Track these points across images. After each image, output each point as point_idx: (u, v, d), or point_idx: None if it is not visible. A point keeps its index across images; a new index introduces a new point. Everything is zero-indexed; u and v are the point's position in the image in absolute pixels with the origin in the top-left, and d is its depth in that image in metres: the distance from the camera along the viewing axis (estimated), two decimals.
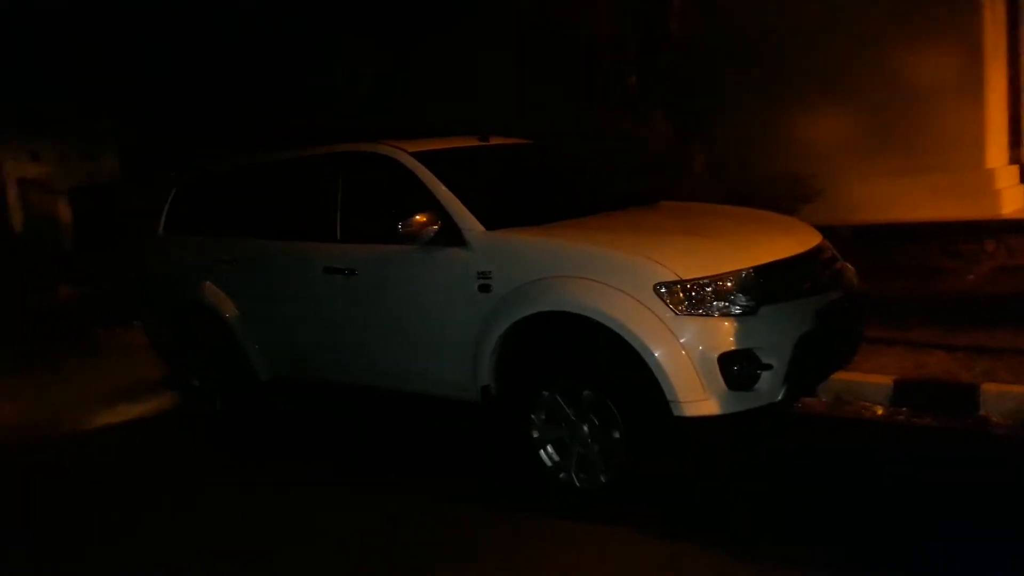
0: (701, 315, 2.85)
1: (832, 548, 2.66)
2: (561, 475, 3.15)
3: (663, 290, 2.87)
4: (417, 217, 3.36)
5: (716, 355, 2.81)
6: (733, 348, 2.82)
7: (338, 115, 8.14)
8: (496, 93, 7.56)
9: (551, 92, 7.38)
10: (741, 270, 2.95)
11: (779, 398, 2.91)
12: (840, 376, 3.86)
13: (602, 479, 3.05)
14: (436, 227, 3.34)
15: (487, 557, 2.84)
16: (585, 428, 3.08)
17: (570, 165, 4.50)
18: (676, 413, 2.83)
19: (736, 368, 2.82)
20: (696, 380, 2.81)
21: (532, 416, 3.19)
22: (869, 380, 3.98)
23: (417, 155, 3.68)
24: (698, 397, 2.82)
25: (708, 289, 2.88)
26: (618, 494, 3.02)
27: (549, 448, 3.19)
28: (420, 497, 3.39)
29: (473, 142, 4.06)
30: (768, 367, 2.86)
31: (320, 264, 3.86)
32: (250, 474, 3.91)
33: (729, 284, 2.91)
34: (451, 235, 3.38)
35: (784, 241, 3.28)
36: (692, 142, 7.28)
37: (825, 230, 6.91)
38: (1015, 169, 7.71)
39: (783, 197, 6.48)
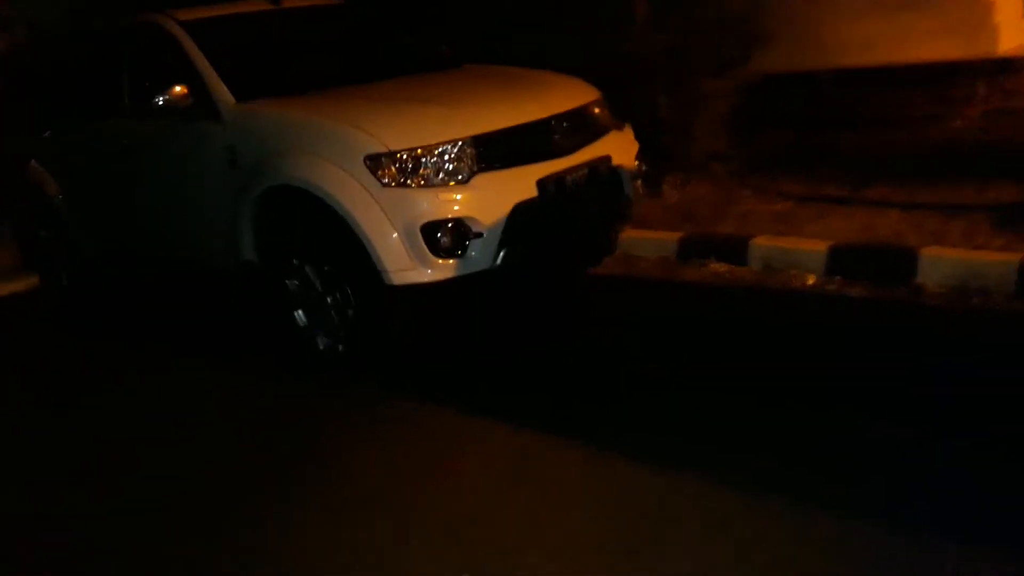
0: (408, 186, 3.07)
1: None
2: (322, 347, 3.56)
3: (370, 162, 3.08)
4: (175, 89, 3.61)
5: (419, 225, 3.10)
6: (437, 218, 3.09)
7: None
8: None
9: None
10: (454, 140, 3.10)
11: (494, 265, 3.20)
12: (773, 242, 4.04)
13: (340, 348, 3.43)
14: (188, 98, 3.60)
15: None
16: (328, 300, 3.46)
17: (377, 27, 4.54)
18: (387, 282, 3.15)
19: (440, 236, 3.10)
20: (402, 250, 3.09)
21: (288, 289, 3.53)
22: (803, 247, 3.96)
23: (185, 23, 3.84)
24: (405, 266, 3.10)
25: (416, 160, 3.06)
26: (351, 361, 3.40)
27: (302, 315, 3.53)
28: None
29: (261, 6, 4.19)
30: (479, 235, 3.16)
31: (108, 140, 4.18)
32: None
33: (438, 154, 3.07)
34: (206, 108, 3.57)
35: (525, 107, 3.39)
36: None
37: (804, 76, 6.85)
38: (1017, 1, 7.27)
39: (729, 44, 6.28)
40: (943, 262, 3.58)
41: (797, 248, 4.03)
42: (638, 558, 2.02)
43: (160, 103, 3.58)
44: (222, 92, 3.57)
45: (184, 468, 2.87)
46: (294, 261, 3.47)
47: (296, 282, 3.49)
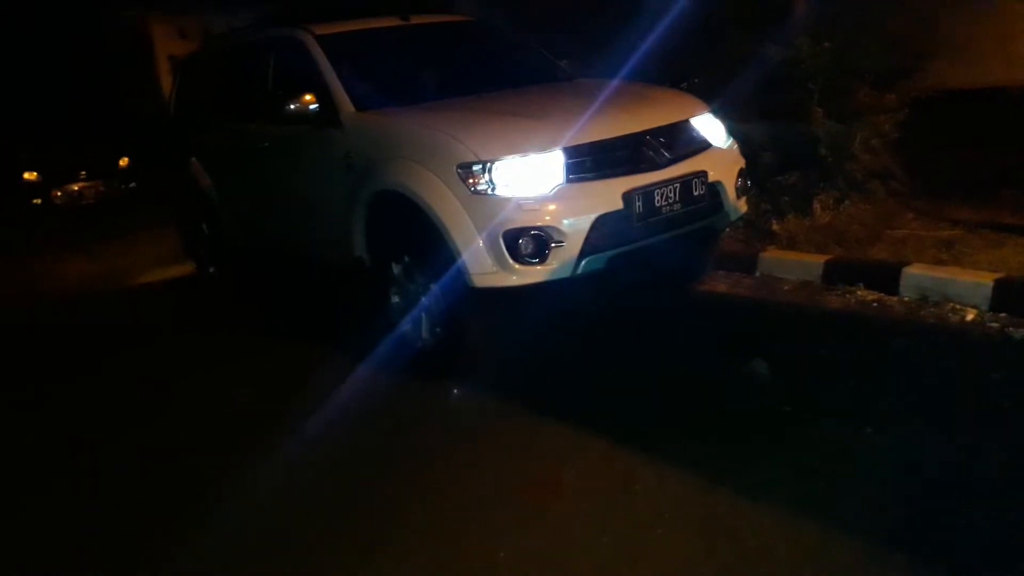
0: (495, 194, 3.60)
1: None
2: (414, 338, 4.15)
3: (461, 170, 3.61)
4: (304, 97, 4.39)
5: (502, 232, 3.58)
6: (519, 226, 3.56)
7: None
8: None
9: None
10: (541, 151, 3.57)
11: (575, 274, 3.62)
12: (931, 271, 4.14)
13: (422, 341, 4.00)
14: (316, 107, 4.36)
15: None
16: (421, 296, 4.05)
17: (496, 42, 5.13)
18: (470, 285, 3.69)
19: (521, 243, 3.56)
20: (485, 255, 3.59)
21: (391, 284, 4.17)
22: (964, 277, 3.97)
23: (320, 37, 4.61)
24: (488, 270, 3.61)
25: (504, 169, 3.57)
26: (437, 356, 3.96)
27: (398, 304, 4.11)
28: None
29: (391, 22, 4.92)
30: (560, 244, 3.60)
31: (253, 143, 5.07)
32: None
33: (525, 165, 3.53)
34: (330, 115, 4.27)
35: (619, 120, 3.77)
36: None
37: (986, 92, 6.74)
38: None
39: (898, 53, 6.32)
40: None
41: (957, 279, 4.05)
42: None
43: (292, 109, 4.36)
44: (344, 101, 4.27)
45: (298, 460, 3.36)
46: (395, 260, 4.07)
47: (396, 275, 4.08)
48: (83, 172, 11.64)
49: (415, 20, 4.94)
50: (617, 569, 2.44)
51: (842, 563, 2.31)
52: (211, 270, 6.05)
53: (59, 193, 11.50)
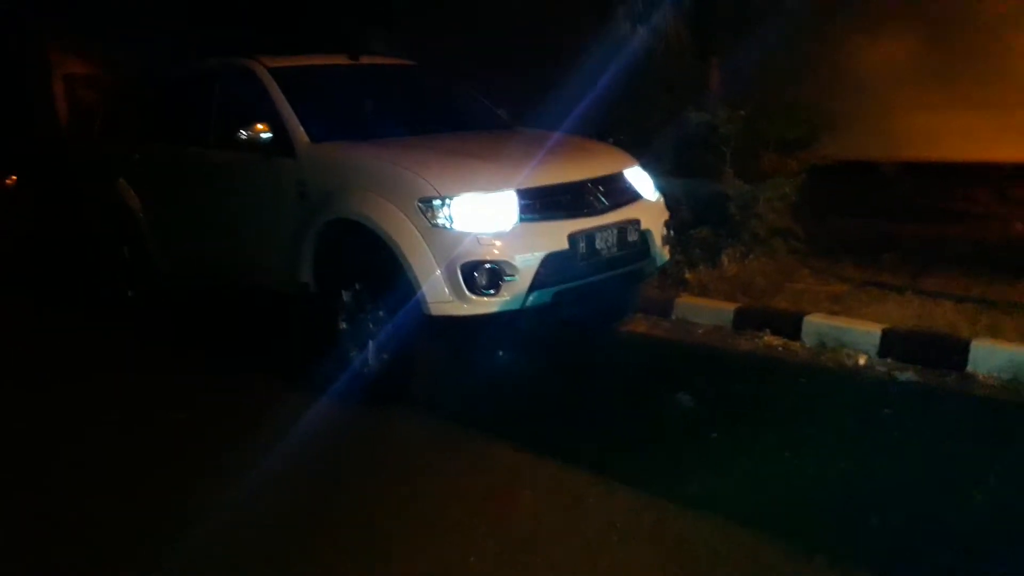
0: (453, 229, 3.90)
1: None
2: (361, 364, 4.35)
3: (422, 204, 3.92)
4: (257, 125, 4.60)
5: (459, 264, 3.90)
6: (476, 259, 3.87)
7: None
8: (509, 12, 8.65)
9: (571, 10, 8.27)
10: (499, 191, 3.90)
11: (524, 306, 3.95)
12: (829, 320, 4.65)
13: (368, 364, 4.19)
14: (269, 136, 4.57)
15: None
16: (370, 322, 4.29)
17: (440, 87, 5.53)
18: (425, 312, 3.96)
19: (477, 276, 3.87)
20: (443, 285, 3.88)
21: (341, 311, 4.38)
22: (857, 327, 4.52)
23: (273, 69, 4.83)
24: (443, 299, 3.89)
25: (463, 206, 3.91)
26: (384, 381, 4.18)
27: (345, 328, 4.29)
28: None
29: (340, 60, 5.22)
30: (512, 278, 3.93)
31: (193, 167, 5.20)
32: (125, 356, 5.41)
33: (483, 203, 3.87)
34: (284, 145, 4.50)
35: (565, 168, 4.20)
36: (708, 58, 7.99)
37: (870, 165, 7.59)
38: None
39: (798, 126, 7.03)
40: (996, 354, 4.13)
41: (852, 327, 4.62)
42: None
43: (243, 137, 4.56)
44: (298, 132, 4.51)
45: (254, 495, 3.32)
46: (345, 287, 4.30)
47: (345, 300, 4.30)
48: None
49: (364, 60, 5.23)
50: (582, 564, 2.75)
51: (773, 561, 2.71)
52: (129, 293, 6.03)
53: None
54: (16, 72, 13.54)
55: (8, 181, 11.69)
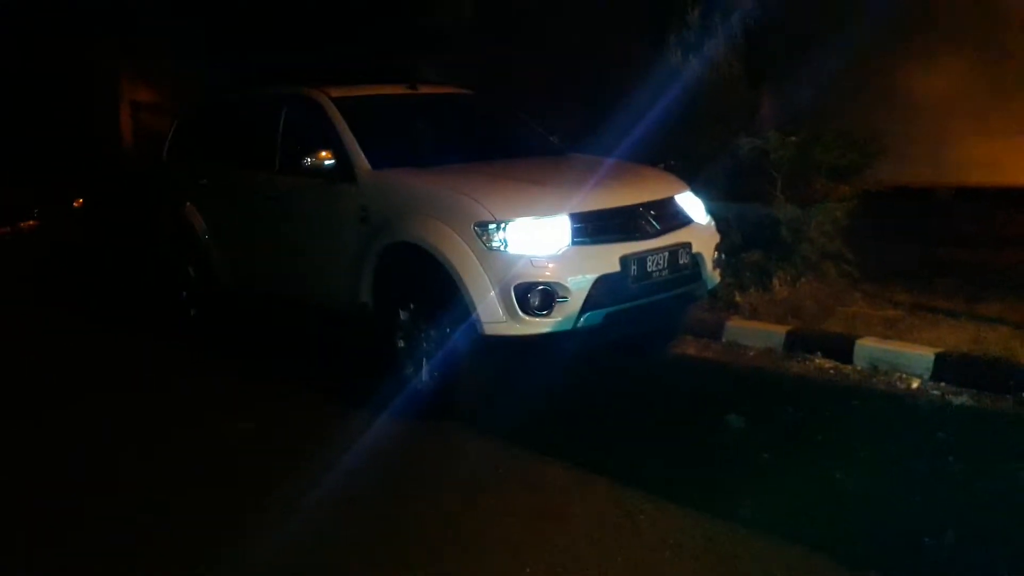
0: (508, 252, 4.03)
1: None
2: (417, 382, 4.50)
3: (478, 228, 4.08)
4: (321, 153, 4.81)
5: (513, 285, 4.03)
6: (530, 280, 4.02)
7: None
8: (566, 41, 8.89)
9: (626, 39, 8.45)
10: (552, 216, 4.09)
11: (576, 327, 4.07)
12: (882, 344, 4.70)
13: (423, 379, 4.35)
14: (332, 163, 4.78)
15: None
16: (424, 340, 4.44)
17: (495, 114, 5.71)
18: (480, 331, 4.10)
19: (530, 297, 4.00)
20: (497, 306, 4.03)
21: (397, 330, 4.55)
22: (910, 350, 4.55)
23: (336, 99, 5.06)
24: (498, 319, 4.03)
25: (517, 230, 4.04)
26: (436, 397, 4.32)
27: (402, 346, 4.46)
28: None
29: (399, 89, 5.43)
30: (564, 299, 4.05)
31: (260, 191, 5.44)
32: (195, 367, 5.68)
33: (537, 227, 4.02)
34: (346, 172, 4.72)
35: (617, 193, 4.34)
36: (760, 86, 8.08)
37: (923, 191, 7.59)
38: None
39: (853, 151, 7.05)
40: None
41: (904, 351, 4.65)
42: None
43: (308, 163, 4.77)
44: (360, 159, 4.71)
45: (316, 505, 3.47)
46: (402, 307, 4.46)
47: (403, 319, 4.46)
48: (36, 210, 11.69)
49: (422, 89, 5.43)
50: None
51: None
52: (192, 312, 6.28)
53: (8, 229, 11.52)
54: (84, 99, 14.19)
55: (76, 203, 12.22)
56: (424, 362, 4.39)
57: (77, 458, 4.18)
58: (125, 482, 3.88)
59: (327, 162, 4.72)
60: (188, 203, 6.13)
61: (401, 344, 4.47)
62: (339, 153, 4.75)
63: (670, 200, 4.53)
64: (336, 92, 5.11)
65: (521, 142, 5.40)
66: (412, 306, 4.42)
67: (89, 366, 5.77)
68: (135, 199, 7.76)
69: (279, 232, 5.31)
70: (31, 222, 11.88)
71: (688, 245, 4.40)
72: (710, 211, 4.89)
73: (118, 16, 12.84)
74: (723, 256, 4.80)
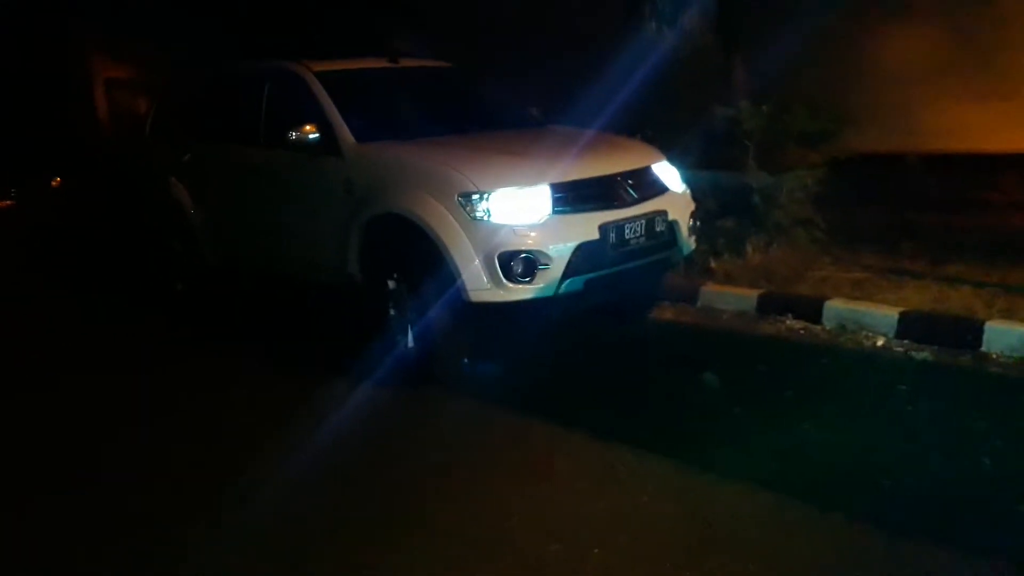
0: (491, 221, 4.19)
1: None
2: (404, 348, 4.67)
3: (462, 199, 4.24)
4: (306, 127, 4.92)
5: (497, 253, 4.20)
6: (513, 249, 4.17)
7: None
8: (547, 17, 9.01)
9: (599, 10, 8.57)
10: (533, 186, 4.23)
11: (557, 292, 4.24)
12: (849, 304, 4.93)
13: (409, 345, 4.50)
14: (317, 136, 4.89)
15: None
16: (412, 308, 4.59)
17: (475, 87, 5.84)
18: (465, 299, 4.27)
19: (513, 264, 4.16)
20: (481, 273, 4.19)
21: (387, 299, 4.68)
22: (876, 310, 4.79)
23: (319, 73, 5.16)
24: (483, 287, 4.18)
25: (501, 199, 4.21)
26: (426, 363, 4.49)
27: (393, 314, 4.61)
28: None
29: (381, 63, 5.55)
30: (546, 266, 4.23)
31: (244, 166, 5.56)
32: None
33: (519, 196, 4.17)
34: (330, 145, 4.83)
35: (596, 163, 4.49)
36: (733, 56, 8.24)
37: (893, 157, 7.79)
38: None
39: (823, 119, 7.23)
40: (1009, 334, 4.37)
41: (870, 311, 4.90)
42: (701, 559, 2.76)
43: (293, 137, 4.88)
44: (345, 132, 4.83)
45: (310, 463, 3.61)
46: (390, 274, 4.61)
47: (392, 289, 4.61)
48: (12, 190, 11.66)
49: (403, 63, 5.55)
50: (615, 526, 3.03)
51: (793, 518, 2.99)
52: (179, 287, 6.40)
53: None
54: (58, 77, 14.10)
55: (54, 183, 12.20)
56: (409, 329, 4.54)
57: (55, 441, 4.20)
58: (89, 471, 3.84)
59: (311, 136, 4.82)
60: (172, 178, 6.23)
61: (392, 312, 4.61)
62: (323, 127, 4.86)
63: (647, 169, 4.70)
64: (319, 66, 5.22)
65: (501, 114, 5.54)
66: (398, 275, 4.56)
67: (73, 345, 5.82)
68: (115, 177, 7.79)
69: (264, 206, 5.43)
70: (8, 202, 11.84)
71: (664, 213, 4.58)
72: (686, 179, 5.07)
73: None
74: (698, 223, 4.98)
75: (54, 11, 13.18)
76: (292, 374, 4.90)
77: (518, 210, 4.19)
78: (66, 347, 5.76)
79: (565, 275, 4.20)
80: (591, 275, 4.28)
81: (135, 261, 7.48)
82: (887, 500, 3.08)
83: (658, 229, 4.54)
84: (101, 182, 10.21)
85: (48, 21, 13.23)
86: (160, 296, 6.61)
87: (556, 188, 4.26)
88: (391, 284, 4.59)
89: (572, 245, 4.20)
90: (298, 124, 4.88)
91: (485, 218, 4.17)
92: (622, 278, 4.45)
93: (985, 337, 4.42)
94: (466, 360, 4.49)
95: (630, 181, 4.52)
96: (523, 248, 4.14)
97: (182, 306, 6.38)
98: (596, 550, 2.88)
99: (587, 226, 4.27)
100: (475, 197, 4.18)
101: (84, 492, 3.60)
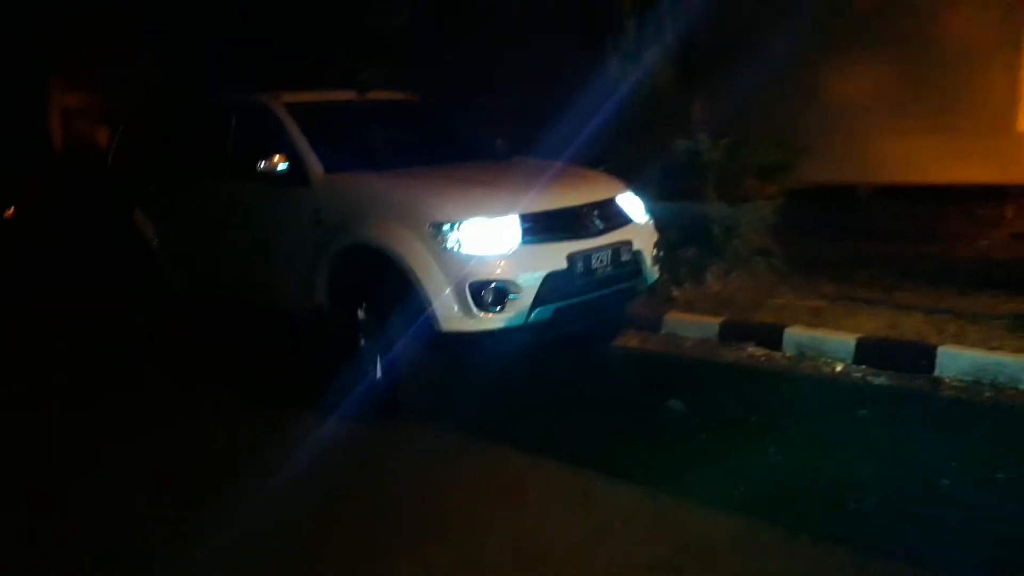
0: (461, 251, 4.24)
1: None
2: (373, 379, 4.67)
3: (433, 229, 4.29)
4: (274, 157, 4.95)
5: (468, 283, 4.25)
6: (482, 279, 4.22)
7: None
8: (511, 50, 9.17)
9: (563, 45, 8.76)
10: (504, 216, 4.27)
11: (527, 321, 4.30)
12: (808, 331, 5.07)
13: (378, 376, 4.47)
14: (285, 166, 4.91)
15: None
16: (381, 337, 4.60)
17: (442, 120, 5.94)
18: (436, 329, 4.30)
19: (484, 294, 4.23)
20: (452, 303, 4.23)
21: (358, 329, 4.68)
22: (834, 336, 4.95)
23: (288, 105, 5.22)
24: (453, 316, 4.22)
25: (470, 230, 4.25)
26: (396, 393, 4.51)
27: (363, 344, 4.59)
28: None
29: (349, 95, 5.62)
30: (515, 296, 4.29)
31: (210, 196, 5.55)
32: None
33: (489, 227, 4.25)
34: (299, 175, 4.88)
35: (562, 195, 4.58)
36: (692, 91, 8.45)
37: (844, 189, 8.05)
38: None
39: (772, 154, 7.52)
40: (960, 359, 4.55)
41: (828, 337, 5.05)
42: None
43: (261, 167, 4.90)
44: (314, 163, 4.87)
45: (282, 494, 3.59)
46: (359, 305, 4.64)
47: (361, 319, 4.62)
48: None
49: (370, 95, 5.63)
50: (590, 549, 3.08)
51: (762, 540, 3.07)
52: (145, 316, 6.34)
53: None
54: (13, 105, 13.89)
55: (7, 213, 11.92)
56: (378, 359, 4.55)
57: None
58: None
59: (280, 166, 4.85)
60: (136, 209, 6.19)
61: (363, 343, 4.63)
62: (292, 157, 4.89)
63: (612, 201, 4.81)
64: (288, 97, 5.27)
65: (468, 146, 5.63)
66: (367, 306, 4.58)
67: (24, 375, 5.69)
68: (75, 206, 7.69)
69: (231, 238, 5.43)
70: None
71: (629, 243, 4.69)
72: (649, 210, 5.19)
73: (50, 21, 12.64)
74: (661, 253, 5.10)
75: (15, 36, 13.00)
76: (261, 405, 4.89)
77: (488, 240, 4.25)
78: (18, 377, 5.64)
79: (535, 304, 4.26)
80: (560, 304, 4.35)
81: (99, 292, 7.35)
82: (853, 520, 3.17)
83: (623, 258, 4.64)
84: (59, 213, 10.02)
85: (8, 47, 13.06)
86: (126, 326, 6.50)
87: (525, 219, 4.34)
88: (360, 314, 4.58)
89: (541, 274, 4.27)
90: (266, 155, 4.89)
91: (456, 248, 4.23)
92: (589, 306, 4.53)
93: (938, 361, 4.60)
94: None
95: (596, 212, 4.62)
96: (493, 278, 4.20)
97: (146, 337, 6.29)
98: (572, 574, 2.91)
99: (555, 256, 4.35)
100: (446, 227, 4.24)
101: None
